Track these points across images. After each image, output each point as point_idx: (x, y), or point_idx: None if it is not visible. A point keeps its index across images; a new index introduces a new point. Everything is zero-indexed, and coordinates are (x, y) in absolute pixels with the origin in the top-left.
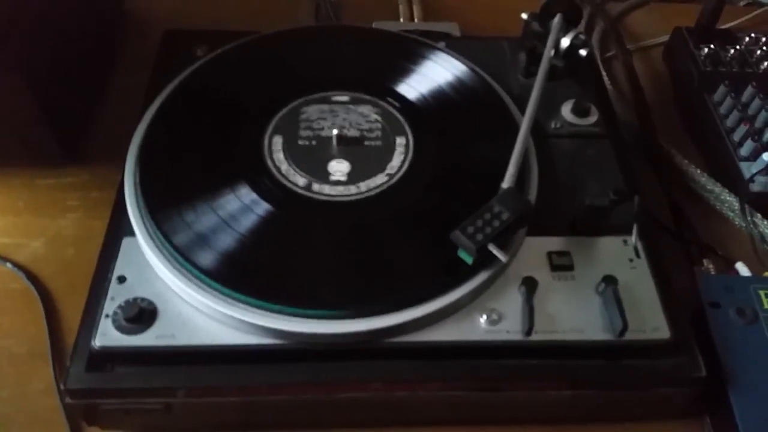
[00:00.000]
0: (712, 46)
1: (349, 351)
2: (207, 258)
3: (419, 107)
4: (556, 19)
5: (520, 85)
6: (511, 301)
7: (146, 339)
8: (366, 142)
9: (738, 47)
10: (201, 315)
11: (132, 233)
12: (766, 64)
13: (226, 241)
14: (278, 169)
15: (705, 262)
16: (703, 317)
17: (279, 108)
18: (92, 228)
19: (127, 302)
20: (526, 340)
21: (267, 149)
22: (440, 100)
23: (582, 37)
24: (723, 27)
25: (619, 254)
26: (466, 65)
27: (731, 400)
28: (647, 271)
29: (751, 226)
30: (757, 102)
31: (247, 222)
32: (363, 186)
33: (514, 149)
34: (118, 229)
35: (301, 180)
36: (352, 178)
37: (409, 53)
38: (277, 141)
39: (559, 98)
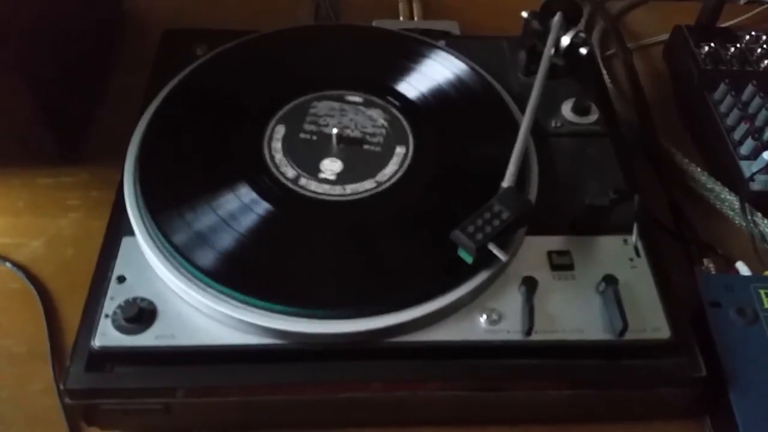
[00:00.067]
0: (712, 44)
1: (349, 351)
2: (207, 258)
3: (419, 106)
4: (556, 18)
5: (520, 83)
6: (511, 301)
7: (146, 339)
8: (365, 146)
9: (738, 45)
10: (201, 315)
11: (132, 233)
12: (766, 62)
13: (226, 240)
14: (272, 159)
15: (705, 261)
16: (703, 317)
17: (279, 107)
18: (92, 228)
19: (126, 302)
20: (527, 340)
21: (266, 149)
22: (440, 98)
23: (582, 35)
24: (723, 25)
25: (620, 254)
26: (467, 64)
27: (731, 400)
28: (647, 271)
29: (752, 225)
30: (757, 100)
31: (247, 221)
32: (349, 189)
33: (515, 148)
34: (117, 228)
35: (290, 172)
36: (341, 179)
37: (409, 52)
38: (280, 130)
39: (559, 97)
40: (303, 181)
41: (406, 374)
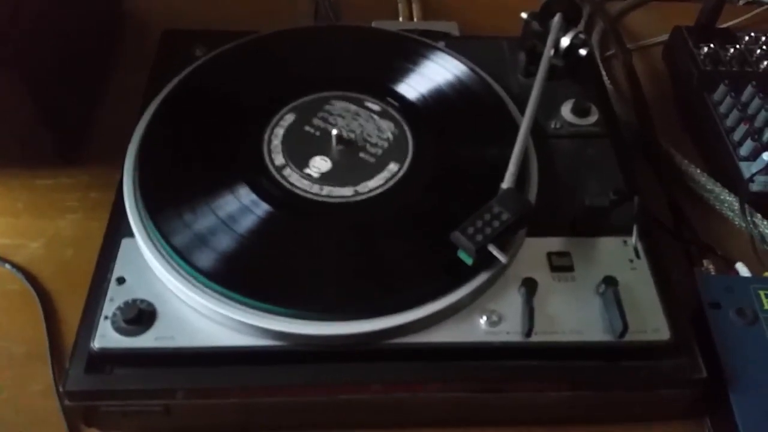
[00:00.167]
0: (711, 45)
1: (349, 352)
2: (206, 259)
3: (419, 107)
4: (556, 19)
5: (520, 84)
6: (511, 302)
7: (145, 341)
8: (361, 154)
9: (738, 46)
10: (200, 316)
11: (131, 234)
12: (765, 63)
13: (226, 242)
14: (269, 147)
15: (705, 262)
16: (703, 318)
17: (278, 107)
18: (91, 229)
19: (126, 304)
20: (526, 342)
21: (266, 149)
22: (440, 99)
23: (582, 36)
24: (723, 26)
25: (619, 255)
26: (466, 65)
27: (731, 401)
28: (647, 272)
29: (751, 226)
30: (756, 101)
31: (247, 223)
32: (326, 190)
33: (514, 149)
34: (117, 230)
35: (279, 159)
36: (324, 179)
37: (408, 53)
38: (289, 118)
39: (558, 98)
40: (287, 171)
41: (406, 376)
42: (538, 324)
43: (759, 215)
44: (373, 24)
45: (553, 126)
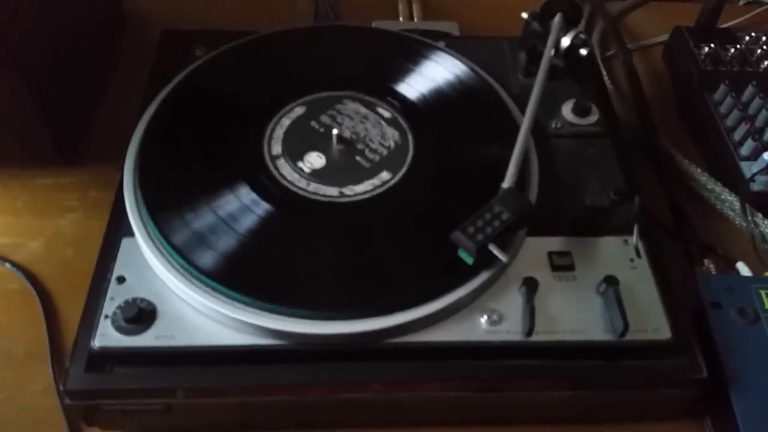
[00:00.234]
0: (712, 45)
1: (349, 351)
2: (206, 258)
3: (419, 107)
4: (557, 19)
5: (520, 84)
6: (512, 302)
7: (146, 340)
8: (357, 157)
9: (738, 46)
10: (200, 315)
11: (131, 233)
12: (766, 63)
13: (226, 241)
14: (270, 136)
15: (706, 262)
16: (703, 317)
17: (278, 107)
18: (91, 228)
19: (126, 303)
20: (527, 341)
21: (266, 149)
22: (440, 99)
23: (582, 36)
24: (723, 26)
25: (620, 254)
26: (467, 65)
27: (732, 401)
28: (648, 272)
29: (752, 225)
30: (757, 101)
31: (247, 222)
32: (312, 187)
33: (515, 149)
34: (117, 229)
35: (276, 149)
36: (314, 175)
37: (409, 53)
38: (297, 111)
39: (559, 98)
40: (281, 161)
41: (406, 375)
42: (539, 323)
43: (760, 215)
44: (374, 24)
45: (553, 126)
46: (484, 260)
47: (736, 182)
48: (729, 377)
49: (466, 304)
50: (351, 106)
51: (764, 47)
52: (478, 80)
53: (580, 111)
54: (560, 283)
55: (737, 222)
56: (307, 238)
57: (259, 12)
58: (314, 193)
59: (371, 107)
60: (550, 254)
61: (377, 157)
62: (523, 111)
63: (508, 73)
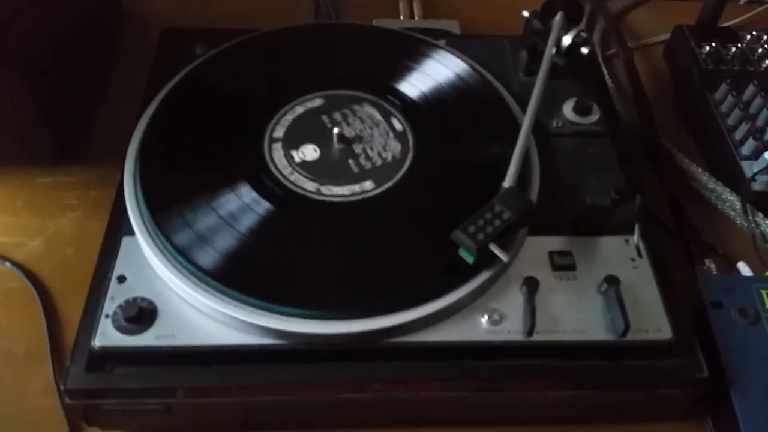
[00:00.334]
0: (713, 44)
1: (350, 351)
2: (207, 257)
3: (420, 105)
4: (558, 17)
5: (521, 83)
6: (513, 301)
7: (146, 339)
8: (350, 160)
9: (739, 45)
10: (201, 315)
11: (132, 232)
12: (767, 62)
13: (227, 240)
14: (279, 120)
15: (706, 261)
16: (704, 317)
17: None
18: (91, 227)
19: (126, 302)
20: (528, 341)
21: (267, 148)
22: (441, 98)
23: (583, 35)
24: (724, 25)
25: (621, 254)
26: (468, 63)
27: (733, 401)
28: (649, 271)
29: (753, 225)
30: (758, 100)
31: (247, 221)
32: (294, 177)
33: (516, 148)
34: (117, 228)
35: (278, 132)
36: (301, 166)
37: (409, 51)
38: (317, 102)
39: (560, 97)
40: (276, 145)
41: (406, 375)
42: (540, 323)
43: (761, 214)
44: (374, 22)
45: (554, 125)
46: (485, 260)
47: (736, 182)
48: (730, 377)
49: (466, 303)
50: (367, 110)
51: (765, 46)
52: (479, 79)
53: (581, 110)
54: (561, 283)
55: (738, 222)
56: (308, 237)
57: (260, 10)
58: (293, 183)
59: (387, 116)
60: (551, 254)
61: (369, 165)
62: (524, 110)
63: (509, 72)
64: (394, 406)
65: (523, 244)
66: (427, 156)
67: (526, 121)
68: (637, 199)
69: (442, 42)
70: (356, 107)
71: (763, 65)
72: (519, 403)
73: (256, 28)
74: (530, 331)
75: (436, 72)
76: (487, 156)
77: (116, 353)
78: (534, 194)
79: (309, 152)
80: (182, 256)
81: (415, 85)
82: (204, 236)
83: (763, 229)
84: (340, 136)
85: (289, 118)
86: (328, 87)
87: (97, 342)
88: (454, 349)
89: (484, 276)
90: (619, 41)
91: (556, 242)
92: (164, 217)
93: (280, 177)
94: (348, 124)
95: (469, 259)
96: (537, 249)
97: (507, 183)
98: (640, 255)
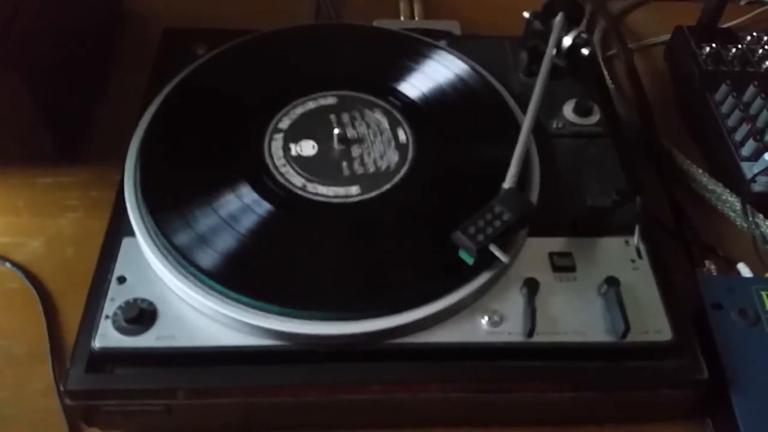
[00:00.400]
0: (713, 45)
1: (350, 352)
2: (207, 259)
3: (420, 106)
4: (558, 18)
5: (522, 84)
6: (513, 303)
7: (146, 340)
8: (344, 163)
9: (740, 46)
10: (201, 316)
11: (132, 233)
12: (767, 63)
13: (227, 241)
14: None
15: (706, 262)
16: (704, 318)
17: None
18: (92, 228)
19: (127, 303)
20: (528, 342)
21: (267, 148)
22: (441, 98)
23: (584, 36)
24: (724, 26)
25: (621, 255)
26: (468, 64)
27: (733, 402)
28: (649, 273)
29: (753, 226)
30: (758, 101)
31: (248, 222)
32: (284, 169)
33: (516, 149)
34: (118, 229)
35: (284, 123)
36: (294, 160)
37: (410, 52)
38: (330, 99)
39: (560, 98)
40: (278, 135)
41: (407, 376)
42: (540, 324)
43: (761, 216)
44: (375, 23)
45: (555, 125)
46: (485, 261)
47: (737, 183)
48: (730, 378)
49: (466, 304)
50: (376, 116)
51: (766, 47)
52: (480, 80)
53: (582, 111)
54: (561, 284)
55: (738, 223)
56: (309, 237)
57: (261, 10)
58: (281, 175)
59: (394, 125)
60: (551, 255)
61: (361, 171)
62: (524, 111)
63: (510, 73)
64: (394, 407)
65: (524, 245)
66: (427, 156)
67: (527, 122)
68: (637, 200)
69: (442, 43)
70: (367, 111)
71: (764, 66)
72: (519, 405)
73: (256, 29)
74: (530, 333)
75: (436, 73)
76: (487, 157)
77: (116, 354)
78: (534, 195)
79: (307, 148)
80: (182, 257)
81: (416, 85)
82: (204, 237)
83: (763, 230)
84: (341, 137)
85: (298, 111)
86: (329, 87)
87: (98, 343)
88: (454, 350)
89: (484, 277)
90: (620, 42)
91: (556, 243)
92: (164, 217)
93: (271, 166)
94: (353, 126)
95: (470, 261)
96: (537, 250)
97: (507, 184)
98: (640, 256)
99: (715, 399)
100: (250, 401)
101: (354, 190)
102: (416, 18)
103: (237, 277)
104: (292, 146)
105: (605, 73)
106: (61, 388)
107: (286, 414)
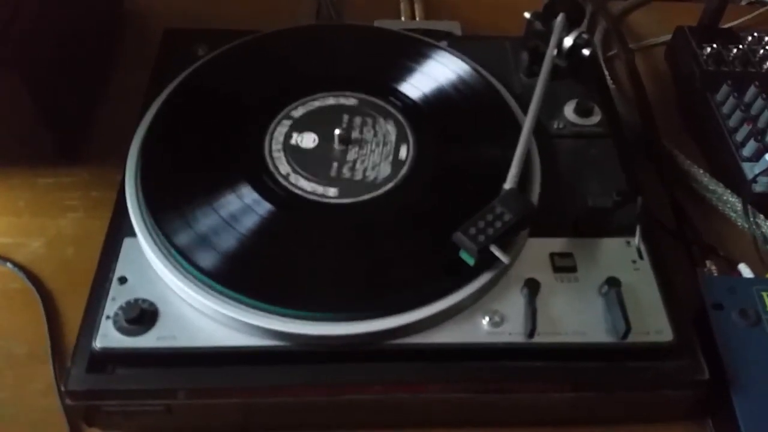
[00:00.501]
0: (714, 45)
1: (351, 353)
2: (208, 259)
3: (421, 106)
4: (559, 19)
5: (523, 84)
6: (514, 303)
7: (147, 340)
8: (335, 163)
9: (741, 46)
10: (202, 316)
11: (133, 234)
12: None
13: (228, 242)
14: (273, 159)
15: (707, 263)
16: (705, 319)
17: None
18: (92, 228)
19: (128, 303)
20: (529, 342)
21: (268, 149)
22: (442, 99)
23: (585, 36)
24: (725, 26)
25: (622, 256)
26: (469, 64)
27: (734, 403)
28: (650, 273)
29: (754, 227)
30: (759, 102)
31: (249, 222)
32: (277, 156)
33: (517, 149)
34: (118, 229)
35: (298, 112)
36: (289, 150)
37: (411, 52)
38: (351, 100)
39: (561, 98)
40: (287, 122)
41: (407, 376)
42: (541, 325)
43: (762, 216)
44: (375, 23)
45: (555, 126)
46: (486, 261)
47: (738, 183)
48: (731, 379)
49: (467, 305)
50: (388, 127)
51: (767, 47)
52: (481, 80)
53: (583, 111)
54: (562, 285)
55: (739, 223)
56: (309, 238)
57: (261, 11)
58: (272, 159)
59: (400, 140)
60: (552, 255)
61: (348, 175)
62: (525, 111)
63: (511, 73)
64: (394, 407)
65: (524, 245)
66: (428, 157)
67: (528, 123)
68: (638, 201)
69: (443, 43)
70: (381, 120)
71: (765, 66)
72: (520, 405)
73: (257, 29)
74: (531, 333)
75: (437, 73)
76: (488, 157)
77: (117, 354)
78: (535, 196)
79: (308, 140)
80: (183, 258)
81: (417, 86)
82: (205, 237)
83: (764, 230)
84: (342, 137)
85: (315, 104)
86: (329, 88)
87: (98, 343)
88: (454, 351)
89: (485, 278)
90: (621, 42)
91: (557, 244)
92: (165, 218)
93: (266, 151)
94: (361, 131)
95: (470, 261)
96: (538, 250)
97: (508, 184)
98: (641, 256)
99: (715, 399)
100: (251, 401)
101: (332, 191)
102: (417, 18)
103: (237, 277)
104: (295, 135)
105: (606, 73)
106: (62, 388)
107: (286, 414)
